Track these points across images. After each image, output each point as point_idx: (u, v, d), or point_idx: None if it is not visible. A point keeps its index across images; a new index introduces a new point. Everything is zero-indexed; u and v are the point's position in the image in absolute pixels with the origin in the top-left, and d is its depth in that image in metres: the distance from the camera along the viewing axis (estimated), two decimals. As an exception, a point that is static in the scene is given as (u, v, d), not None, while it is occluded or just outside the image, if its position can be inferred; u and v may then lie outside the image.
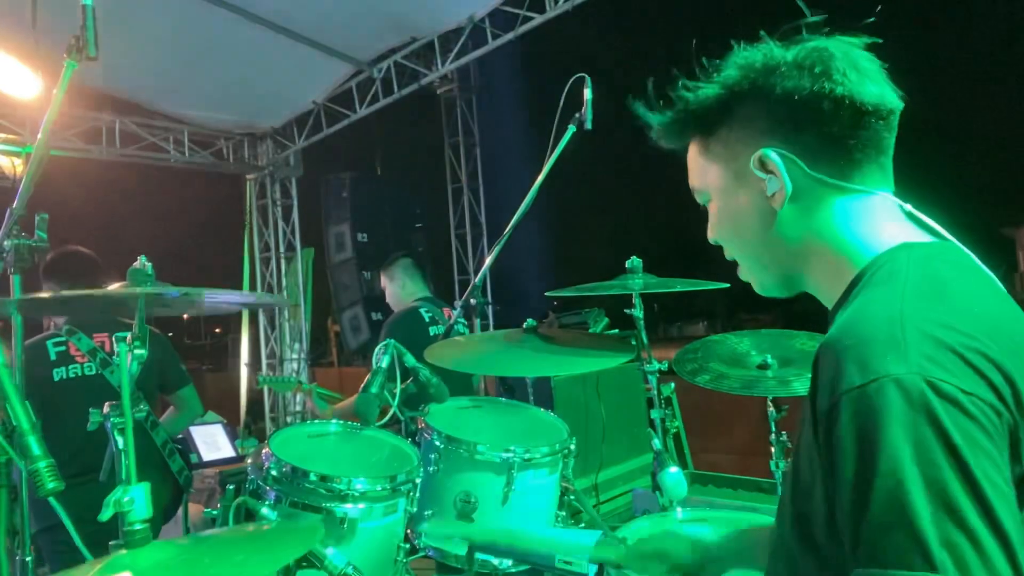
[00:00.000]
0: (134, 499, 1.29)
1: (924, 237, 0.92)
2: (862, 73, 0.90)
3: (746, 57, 0.94)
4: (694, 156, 1.03)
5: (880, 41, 0.93)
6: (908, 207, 0.94)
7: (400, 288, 3.84)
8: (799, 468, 0.85)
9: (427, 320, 3.65)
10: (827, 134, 0.90)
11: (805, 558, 0.84)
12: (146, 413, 2.84)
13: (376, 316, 8.04)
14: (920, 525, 0.67)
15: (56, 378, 2.78)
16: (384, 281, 3.95)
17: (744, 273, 1.05)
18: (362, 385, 1.96)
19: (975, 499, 0.67)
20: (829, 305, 0.96)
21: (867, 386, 0.72)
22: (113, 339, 2.88)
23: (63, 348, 2.82)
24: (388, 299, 3.95)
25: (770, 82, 0.91)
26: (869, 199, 0.92)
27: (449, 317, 3.68)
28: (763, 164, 0.93)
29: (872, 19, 0.94)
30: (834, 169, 0.91)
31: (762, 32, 0.95)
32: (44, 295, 2.70)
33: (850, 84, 0.89)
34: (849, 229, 0.92)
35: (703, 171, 1.02)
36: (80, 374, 2.82)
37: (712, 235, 1.05)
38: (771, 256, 0.99)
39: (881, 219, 0.92)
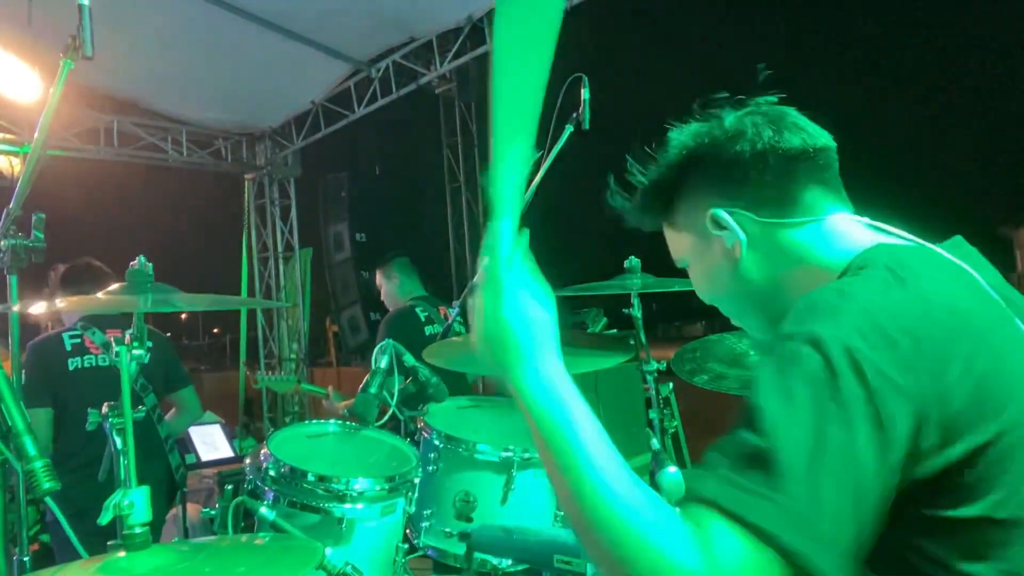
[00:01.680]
0: (134, 502, 1.28)
1: (896, 240, 0.98)
2: (779, 127, 1.01)
3: (679, 138, 1.06)
4: (668, 233, 1.15)
5: (783, 96, 1.04)
6: (867, 220, 1.02)
7: (396, 287, 3.83)
8: None
9: (423, 320, 3.65)
10: (762, 183, 1.01)
11: None
12: (152, 404, 2.98)
13: (374, 316, 8.05)
14: (786, 453, 0.71)
15: (71, 367, 2.88)
16: (380, 280, 3.94)
17: (737, 323, 1.15)
18: (361, 385, 1.96)
19: (845, 450, 0.71)
20: None
21: (793, 335, 0.79)
22: (126, 334, 2.98)
23: (78, 341, 2.92)
24: (384, 298, 3.95)
25: (703, 154, 1.04)
26: (824, 222, 1.01)
27: (445, 316, 3.69)
28: (716, 222, 1.03)
29: (779, 95, 1.04)
30: (780, 210, 1.01)
31: (692, 107, 1.07)
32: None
33: (768, 139, 1.00)
34: (819, 248, 1.00)
35: (676, 242, 1.13)
36: (94, 364, 2.92)
37: (702, 296, 1.16)
38: (750, 302, 1.08)
39: (846, 231, 1.00)
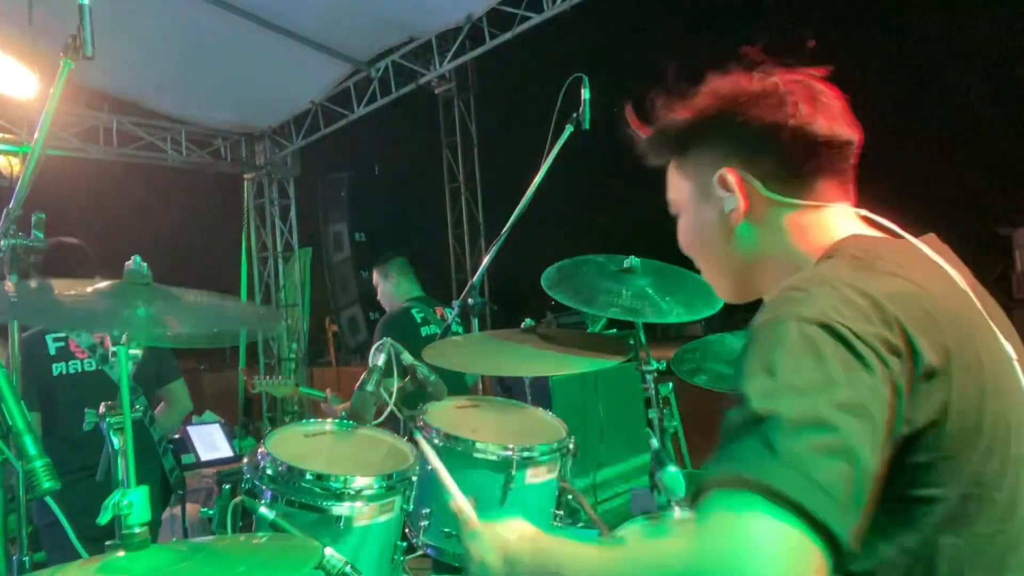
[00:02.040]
0: (133, 502, 1.28)
1: (877, 233, 0.99)
2: (817, 107, 0.99)
3: (716, 86, 1.04)
4: (671, 172, 1.13)
5: (831, 73, 1.02)
6: (863, 212, 1.02)
7: (394, 287, 3.83)
8: None
9: (419, 320, 3.64)
10: (781, 160, 0.99)
11: None
12: (144, 407, 2.82)
13: (374, 316, 8.04)
14: (785, 390, 0.73)
15: (55, 373, 2.75)
16: (377, 279, 3.93)
17: (707, 279, 1.16)
18: (358, 383, 1.95)
19: (826, 391, 0.72)
20: None
21: (771, 321, 0.81)
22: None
23: (62, 344, 2.78)
24: (380, 297, 3.93)
25: (734, 111, 1.01)
26: (822, 211, 1.01)
27: (442, 317, 3.68)
28: (724, 183, 1.02)
29: (830, 66, 1.03)
30: (788, 189, 1.00)
31: (733, 62, 1.05)
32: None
33: (803, 117, 0.98)
34: (803, 239, 1.00)
35: (677, 186, 1.12)
36: (80, 370, 2.79)
37: (682, 245, 1.16)
38: (727, 266, 1.09)
39: (834, 224, 1.00)
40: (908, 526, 0.81)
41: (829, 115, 0.99)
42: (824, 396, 0.72)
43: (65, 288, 1.62)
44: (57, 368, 2.76)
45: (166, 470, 2.93)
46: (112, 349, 1.50)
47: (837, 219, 1.00)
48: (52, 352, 2.76)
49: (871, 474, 0.72)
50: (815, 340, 0.76)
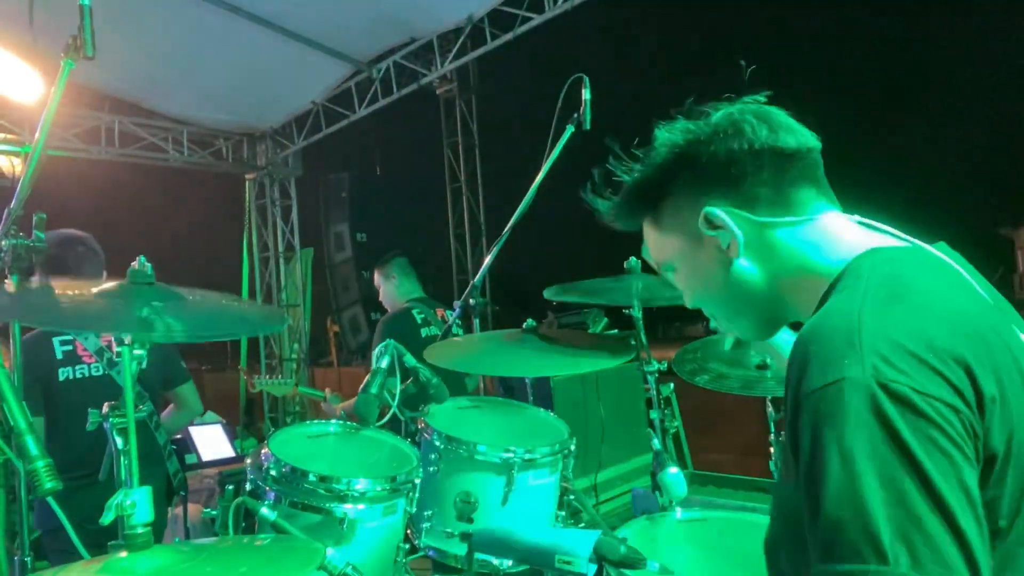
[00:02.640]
0: (136, 502, 1.28)
1: (889, 241, 0.97)
2: (773, 125, 0.99)
3: (668, 136, 1.03)
4: (649, 233, 1.11)
5: (770, 95, 1.02)
6: (857, 218, 1.01)
7: (395, 287, 3.82)
8: (782, 469, 0.90)
9: (419, 322, 3.63)
10: (757, 182, 0.99)
11: (798, 555, 0.84)
12: (149, 411, 2.74)
13: (375, 316, 8.04)
14: (873, 520, 0.69)
15: (61, 378, 2.69)
16: (378, 280, 3.92)
17: (726, 326, 1.12)
18: (362, 385, 1.96)
19: (928, 495, 0.69)
20: None
21: (825, 389, 0.76)
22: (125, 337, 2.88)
23: (70, 348, 2.73)
24: (382, 298, 3.93)
25: (696, 151, 1.00)
26: (817, 221, 0.99)
27: (442, 318, 3.68)
28: (710, 222, 1.00)
29: (768, 92, 1.03)
30: (775, 209, 0.99)
31: (672, 110, 1.05)
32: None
33: (764, 137, 0.98)
34: (812, 253, 0.98)
35: (661, 246, 1.10)
36: (87, 375, 2.73)
37: (688, 301, 1.13)
38: (744, 303, 1.05)
39: (839, 233, 0.99)
40: None
41: (787, 128, 1.00)
42: (910, 480, 0.69)
43: (70, 288, 1.61)
44: (64, 373, 2.69)
45: (170, 473, 2.87)
46: (117, 350, 1.50)
47: (839, 228, 0.99)
48: (59, 356, 2.70)
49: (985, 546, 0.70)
50: (884, 411, 0.72)
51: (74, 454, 2.50)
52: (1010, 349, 0.83)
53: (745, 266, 1.01)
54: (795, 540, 0.85)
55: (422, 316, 3.66)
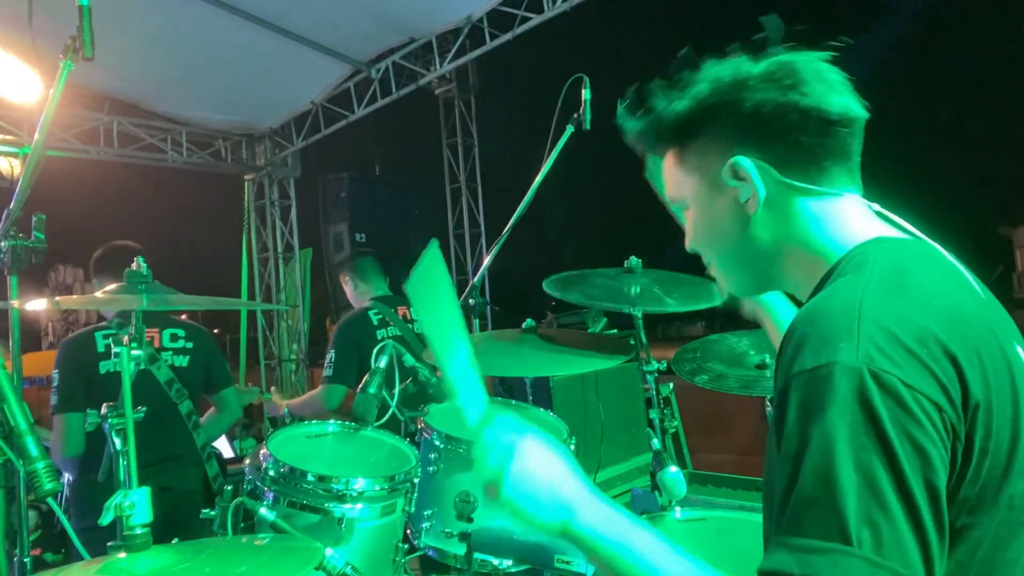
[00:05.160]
0: (134, 503, 1.28)
1: (896, 233, 0.96)
2: (827, 85, 0.94)
3: (716, 71, 0.98)
4: (670, 167, 1.07)
5: (843, 46, 0.97)
6: (876, 207, 0.99)
7: (353, 289, 3.77)
8: (768, 454, 0.90)
9: (376, 323, 3.55)
10: (796, 143, 0.94)
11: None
12: (189, 411, 2.76)
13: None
14: (843, 502, 0.70)
15: (102, 371, 2.74)
16: (342, 283, 3.90)
17: (718, 275, 1.10)
18: (360, 385, 1.96)
19: (898, 487, 0.71)
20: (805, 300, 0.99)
21: (816, 370, 0.76)
22: (162, 335, 2.91)
23: (111, 341, 2.75)
24: (349, 299, 3.90)
25: (740, 96, 0.95)
26: (838, 200, 0.97)
27: (404, 317, 3.63)
28: (736, 172, 0.97)
29: (845, 42, 0.97)
30: (803, 174, 0.95)
31: (732, 46, 0.99)
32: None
33: (816, 96, 0.93)
34: (821, 229, 0.96)
35: (679, 182, 1.06)
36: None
37: (689, 242, 1.10)
38: (747, 259, 1.03)
39: (851, 217, 0.97)
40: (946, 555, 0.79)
41: (839, 93, 0.95)
42: (884, 469, 0.71)
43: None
44: (104, 366, 2.75)
45: (209, 477, 2.86)
46: (115, 351, 1.50)
47: (854, 212, 0.97)
48: (100, 349, 2.76)
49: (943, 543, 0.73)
50: (870, 399, 0.73)
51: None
52: (1004, 352, 0.84)
53: (758, 225, 0.98)
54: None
55: (379, 317, 3.58)
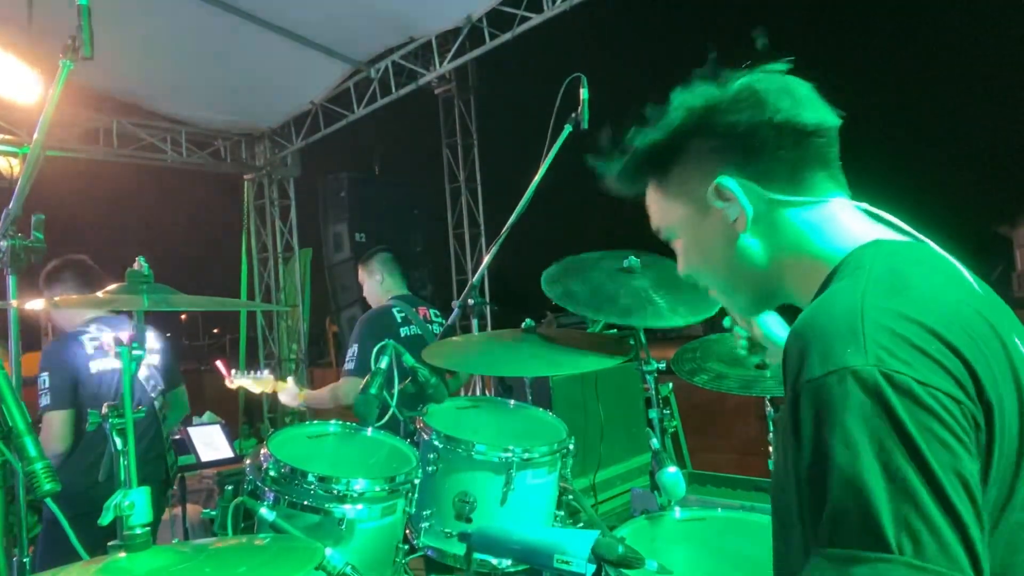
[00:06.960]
0: (134, 503, 1.29)
1: (892, 234, 0.96)
2: (796, 99, 0.96)
3: (685, 99, 0.99)
4: (653, 199, 1.08)
5: (792, 65, 0.99)
6: (864, 205, 0.99)
7: (378, 284, 3.74)
8: (777, 461, 0.89)
9: (399, 320, 3.54)
10: (774, 157, 0.96)
11: (792, 549, 0.84)
12: (160, 405, 3.09)
13: (375, 316, 8.03)
14: (876, 509, 0.69)
15: (93, 370, 2.91)
16: (362, 275, 3.83)
17: (721, 299, 1.10)
18: (361, 386, 1.96)
19: (930, 485, 0.69)
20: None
21: (826, 377, 0.75)
22: (148, 334, 3.12)
23: (97, 342, 2.87)
24: (365, 293, 3.83)
25: (713, 120, 0.97)
26: (826, 206, 0.97)
27: (424, 317, 3.63)
28: (721, 193, 0.98)
29: (789, 61, 0.99)
30: (787, 187, 0.97)
31: (693, 71, 1.00)
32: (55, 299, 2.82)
33: (786, 111, 0.95)
34: (816, 236, 0.97)
35: (664, 211, 1.07)
36: (115, 367, 2.93)
37: (683, 269, 1.10)
38: (743, 278, 1.03)
39: (844, 221, 0.97)
40: None
41: (809, 103, 0.96)
42: (912, 470, 0.70)
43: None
44: (94, 365, 2.92)
45: (168, 465, 3.13)
46: (115, 350, 1.50)
47: (845, 215, 0.98)
48: (90, 351, 2.93)
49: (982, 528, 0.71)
50: (887, 401, 0.72)
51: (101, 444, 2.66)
52: (1004, 346, 0.83)
53: (749, 242, 0.99)
54: (783, 529, 0.86)
55: (402, 315, 3.57)
